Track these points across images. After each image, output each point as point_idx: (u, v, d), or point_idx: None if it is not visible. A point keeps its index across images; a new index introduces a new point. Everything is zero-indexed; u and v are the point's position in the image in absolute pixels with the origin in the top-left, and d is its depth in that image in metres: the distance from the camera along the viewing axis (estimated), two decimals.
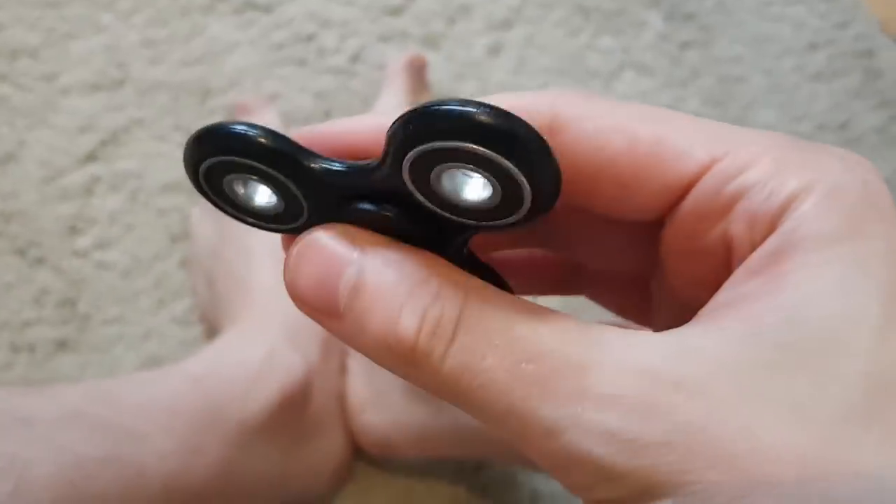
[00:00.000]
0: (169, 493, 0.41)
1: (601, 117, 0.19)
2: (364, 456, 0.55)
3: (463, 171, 0.17)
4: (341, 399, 0.54)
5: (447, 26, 0.68)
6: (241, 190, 0.20)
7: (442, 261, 0.19)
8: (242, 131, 0.18)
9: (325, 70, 0.65)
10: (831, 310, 0.17)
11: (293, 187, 0.19)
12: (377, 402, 0.53)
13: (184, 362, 0.49)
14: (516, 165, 0.16)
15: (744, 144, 0.19)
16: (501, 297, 0.18)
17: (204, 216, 0.59)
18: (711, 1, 0.72)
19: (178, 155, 0.66)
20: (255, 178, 0.19)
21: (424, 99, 0.65)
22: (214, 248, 0.57)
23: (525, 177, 0.16)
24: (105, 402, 0.41)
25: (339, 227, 0.19)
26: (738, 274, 0.18)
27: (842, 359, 0.16)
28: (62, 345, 0.57)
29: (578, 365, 0.17)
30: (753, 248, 0.18)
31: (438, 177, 0.17)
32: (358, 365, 0.55)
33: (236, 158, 0.19)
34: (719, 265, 0.19)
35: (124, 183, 0.60)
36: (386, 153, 0.17)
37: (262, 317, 0.52)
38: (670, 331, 0.18)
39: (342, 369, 0.55)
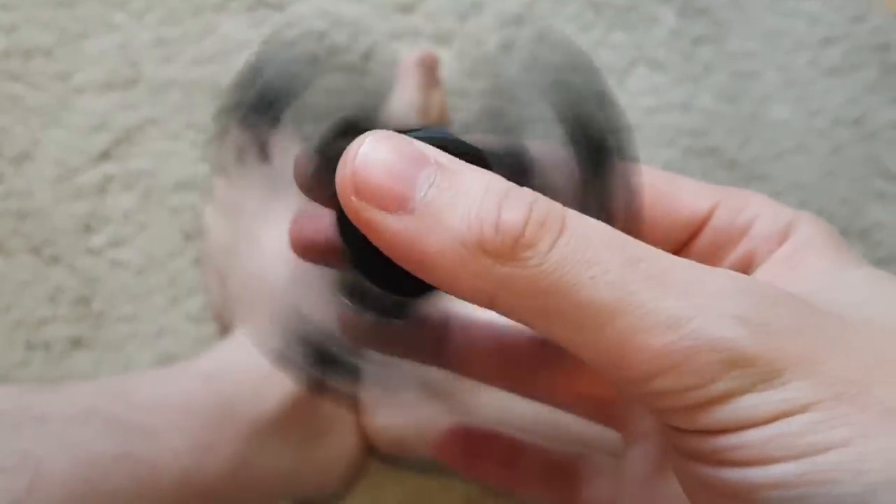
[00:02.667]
0: (182, 491, 0.41)
1: None
2: (376, 454, 0.55)
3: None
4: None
5: (459, 23, 0.68)
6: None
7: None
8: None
9: (337, 68, 0.65)
10: (847, 280, 0.20)
11: None
12: (390, 399, 0.53)
13: (197, 360, 0.49)
14: None
15: (732, 193, 0.23)
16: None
17: (217, 214, 0.59)
18: None
19: (192, 153, 0.66)
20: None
21: (436, 96, 0.65)
22: (228, 246, 0.57)
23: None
24: (118, 400, 0.41)
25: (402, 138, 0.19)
26: (766, 266, 0.22)
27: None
28: (77, 342, 0.58)
29: (694, 266, 0.17)
30: (771, 254, 0.22)
31: None
32: None
33: None
34: None
35: (138, 181, 0.61)
36: None
37: (274, 315, 0.52)
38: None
39: None
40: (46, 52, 0.62)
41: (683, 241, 0.22)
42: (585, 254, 0.17)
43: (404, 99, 0.62)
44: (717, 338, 0.16)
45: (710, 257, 0.22)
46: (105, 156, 0.61)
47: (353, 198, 0.18)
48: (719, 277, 0.17)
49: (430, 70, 0.64)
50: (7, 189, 0.59)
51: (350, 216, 0.18)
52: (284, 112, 0.18)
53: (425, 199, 0.17)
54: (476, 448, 0.28)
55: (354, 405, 0.54)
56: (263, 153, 0.58)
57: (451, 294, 0.18)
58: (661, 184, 0.22)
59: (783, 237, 0.22)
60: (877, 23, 0.72)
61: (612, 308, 0.17)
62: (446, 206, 0.17)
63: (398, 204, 0.17)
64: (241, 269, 0.56)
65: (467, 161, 0.18)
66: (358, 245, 0.19)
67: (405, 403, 0.52)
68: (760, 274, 0.21)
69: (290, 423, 0.48)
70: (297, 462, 0.49)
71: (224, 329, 0.58)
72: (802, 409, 0.16)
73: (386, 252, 0.18)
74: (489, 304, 0.18)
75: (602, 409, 0.27)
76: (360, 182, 0.18)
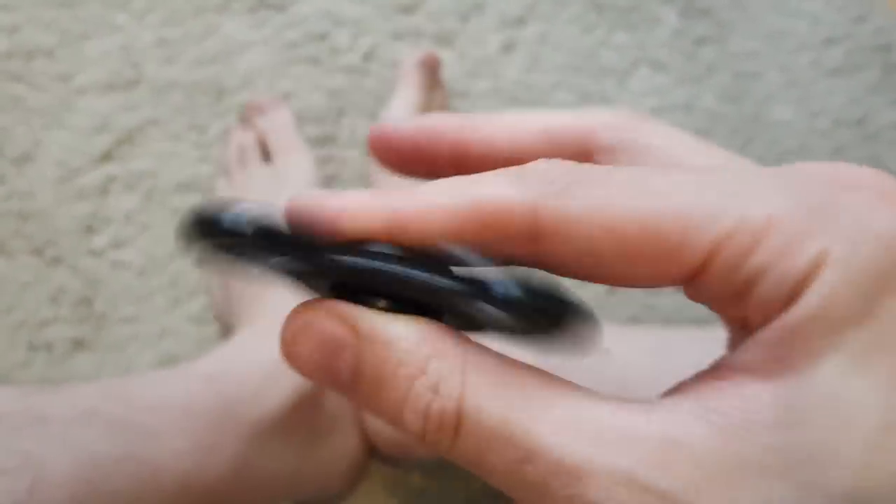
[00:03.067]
0: (184, 491, 0.41)
1: (592, 213, 0.18)
2: (378, 455, 0.55)
3: None
4: None
5: (460, 24, 0.68)
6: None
7: (435, 331, 0.19)
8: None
9: (339, 68, 0.65)
10: (828, 409, 0.16)
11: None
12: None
13: (199, 361, 0.49)
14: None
15: (750, 211, 0.17)
16: (498, 375, 0.18)
17: None
18: None
19: (193, 154, 0.66)
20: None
21: (438, 97, 0.65)
22: None
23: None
24: (120, 401, 0.41)
25: (330, 304, 0.19)
26: (749, 344, 0.18)
27: (830, 471, 0.16)
28: (79, 343, 0.58)
29: (572, 469, 0.17)
30: (767, 322, 0.17)
31: None
32: None
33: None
34: (738, 328, 0.19)
35: (139, 182, 0.61)
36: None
37: (276, 316, 0.52)
38: (666, 406, 0.18)
39: None
40: (48, 52, 0.62)
41: (677, 284, 0.19)
42: (478, 455, 0.18)
43: (405, 99, 0.62)
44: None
45: (709, 306, 0.19)
46: (107, 157, 0.61)
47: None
48: (601, 482, 0.17)
49: (431, 70, 0.64)
50: (9, 190, 0.59)
51: None
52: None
53: (352, 389, 0.19)
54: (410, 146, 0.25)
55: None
56: (264, 153, 0.59)
57: None
58: (666, 199, 0.18)
59: (788, 300, 0.17)
60: (879, 23, 0.72)
61: (512, 496, 0.18)
62: (370, 397, 0.19)
63: (335, 389, 0.19)
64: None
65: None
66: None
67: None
68: (743, 349, 0.18)
69: (292, 424, 0.48)
70: (299, 463, 0.49)
71: (226, 330, 0.58)
72: None
73: None
74: None
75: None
76: (294, 362, 0.20)
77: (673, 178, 0.18)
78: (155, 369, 0.57)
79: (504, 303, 0.18)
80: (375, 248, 0.18)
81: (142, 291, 0.59)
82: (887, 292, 0.16)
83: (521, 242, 0.18)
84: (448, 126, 0.23)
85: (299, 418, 0.48)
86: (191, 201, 0.61)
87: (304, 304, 0.20)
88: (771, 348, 0.17)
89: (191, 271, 0.60)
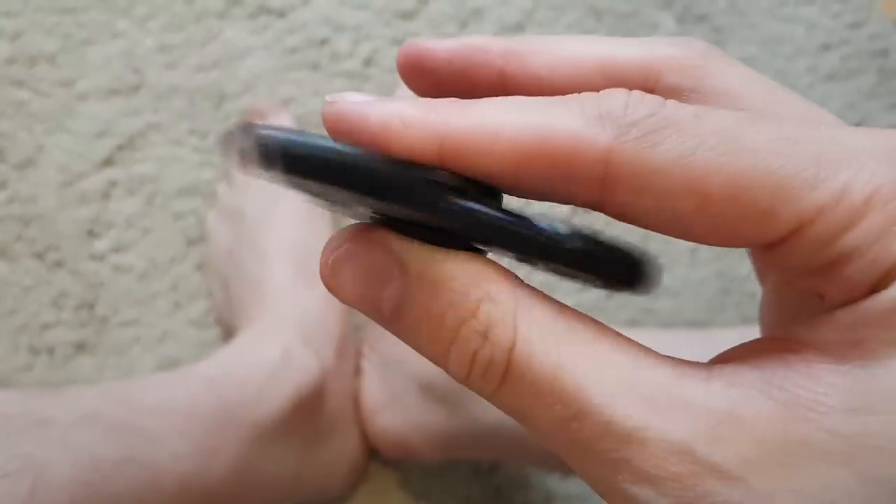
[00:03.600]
0: (184, 494, 0.41)
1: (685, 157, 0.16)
2: (379, 457, 0.56)
3: None
4: (356, 400, 0.54)
5: (460, 29, 0.68)
6: None
7: (488, 272, 0.17)
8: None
9: (339, 74, 0.66)
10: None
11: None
12: (392, 403, 0.53)
13: (199, 364, 0.49)
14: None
15: (852, 183, 0.16)
16: (551, 325, 0.17)
17: (219, 219, 0.59)
18: (724, 2, 0.71)
19: (194, 159, 0.67)
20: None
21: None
22: (230, 251, 0.58)
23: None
24: (121, 404, 0.41)
25: (376, 234, 0.18)
26: (824, 320, 0.17)
27: (889, 469, 0.15)
28: (80, 347, 0.58)
29: (623, 434, 0.16)
30: (849, 303, 0.17)
31: None
32: (372, 367, 0.55)
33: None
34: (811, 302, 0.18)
35: (141, 187, 0.61)
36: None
37: (276, 319, 0.52)
38: (726, 375, 0.17)
39: (357, 371, 0.55)
40: (50, 58, 0.63)
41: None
42: (523, 405, 0.17)
43: None
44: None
45: (786, 280, 0.18)
46: (108, 161, 0.61)
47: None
48: (651, 451, 0.16)
49: None
50: (11, 194, 0.60)
51: None
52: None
53: (394, 322, 0.18)
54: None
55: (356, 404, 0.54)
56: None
57: None
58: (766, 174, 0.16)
59: (874, 288, 0.16)
60: (875, 29, 0.73)
61: (550, 448, 0.17)
62: (411, 332, 0.18)
63: (377, 317, 0.18)
64: (243, 273, 0.56)
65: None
66: None
67: (407, 406, 0.53)
68: (814, 324, 0.17)
69: (293, 426, 0.48)
70: (300, 465, 0.49)
71: (227, 333, 0.58)
72: None
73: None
74: None
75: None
76: (335, 290, 0.18)
77: (768, 133, 0.16)
78: (156, 373, 0.57)
79: (567, 252, 0.17)
80: (428, 176, 0.17)
81: (143, 295, 0.59)
82: None
83: (589, 186, 0.17)
84: (494, 49, 0.20)
85: (300, 421, 0.48)
86: (192, 206, 0.61)
87: (349, 230, 0.18)
88: (850, 331, 0.16)
89: (192, 275, 0.60)
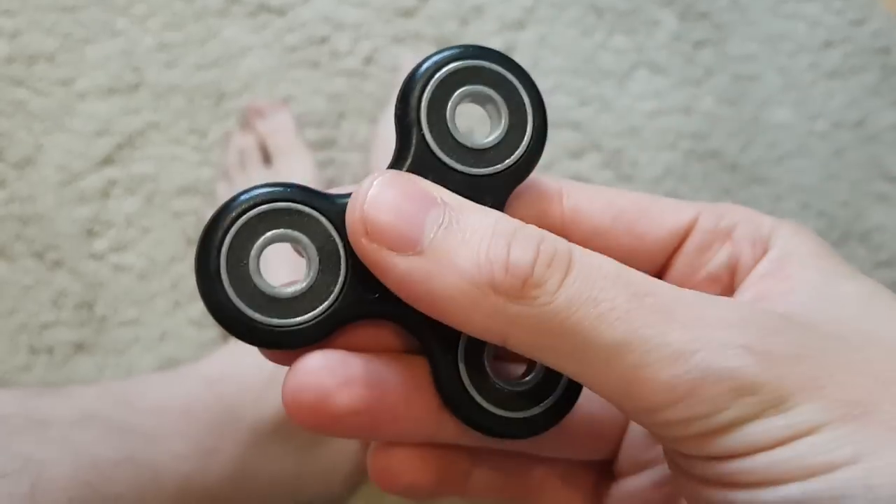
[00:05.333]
0: (184, 494, 0.41)
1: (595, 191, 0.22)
2: None
3: (475, 100, 0.21)
4: None
5: (460, 27, 0.68)
6: (262, 269, 0.19)
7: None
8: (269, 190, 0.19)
9: (339, 72, 0.65)
10: (840, 295, 0.20)
11: (331, 230, 0.19)
12: None
13: (199, 364, 0.49)
14: (524, 86, 0.21)
15: (710, 205, 0.22)
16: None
17: None
18: None
19: (194, 158, 0.66)
20: (290, 231, 0.19)
21: None
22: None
23: (530, 100, 0.21)
24: (120, 404, 0.41)
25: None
26: (753, 277, 0.21)
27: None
28: (80, 347, 0.58)
29: (698, 297, 0.18)
30: (756, 262, 0.21)
31: (453, 113, 0.20)
32: None
33: (275, 204, 0.19)
34: (723, 291, 0.22)
35: (140, 186, 0.61)
36: (408, 92, 0.20)
37: None
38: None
39: None
40: (49, 57, 0.63)
41: (670, 252, 0.22)
42: (592, 291, 0.17)
43: None
44: (723, 368, 0.17)
45: (697, 262, 0.22)
46: (108, 160, 0.61)
47: (363, 240, 0.18)
48: (722, 308, 0.18)
49: None
50: (10, 194, 0.60)
51: (361, 257, 0.19)
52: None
53: (435, 241, 0.18)
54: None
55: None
56: (265, 156, 0.59)
57: (463, 330, 0.18)
58: (642, 201, 0.22)
59: (766, 244, 0.21)
60: (877, 26, 0.72)
61: (619, 344, 0.17)
62: (456, 246, 0.18)
63: (409, 245, 0.18)
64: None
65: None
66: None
67: None
68: (748, 288, 0.21)
69: (292, 427, 0.48)
70: (300, 466, 0.49)
71: (227, 333, 0.58)
72: (810, 432, 0.16)
73: (396, 291, 0.18)
74: (501, 342, 0.18)
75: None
76: (370, 224, 0.18)
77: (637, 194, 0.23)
78: (156, 372, 0.57)
79: None
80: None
81: (142, 295, 0.59)
82: (824, 244, 0.22)
83: None
84: None
85: None
86: (192, 205, 0.61)
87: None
88: (774, 270, 0.21)
89: (191, 275, 0.60)
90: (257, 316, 0.19)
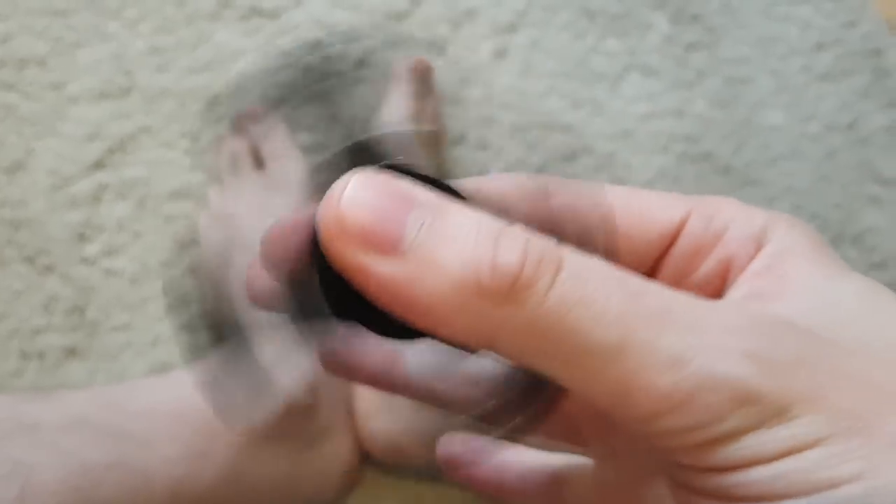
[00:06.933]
0: (175, 499, 0.41)
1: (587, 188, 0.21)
2: (372, 461, 0.55)
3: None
4: (349, 404, 0.54)
5: (452, 31, 0.68)
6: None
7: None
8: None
9: (331, 75, 0.65)
10: (837, 294, 0.19)
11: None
12: (385, 407, 0.53)
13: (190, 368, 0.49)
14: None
15: (702, 201, 0.22)
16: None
17: (211, 222, 0.59)
18: (717, 2, 0.71)
19: (185, 162, 0.66)
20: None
21: (430, 104, 0.65)
22: (222, 255, 0.57)
23: None
24: (111, 409, 0.41)
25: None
26: (747, 275, 0.20)
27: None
28: (71, 352, 0.58)
29: (695, 302, 0.17)
30: (750, 259, 0.20)
31: None
32: None
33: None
34: (713, 294, 0.21)
35: (132, 190, 0.61)
36: None
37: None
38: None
39: None
40: (40, 61, 0.62)
41: (659, 254, 0.21)
42: (584, 292, 0.16)
43: (397, 106, 0.62)
44: (723, 375, 0.16)
45: (687, 267, 0.21)
46: (99, 165, 0.61)
47: (338, 243, 0.17)
48: (720, 311, 0.17)
49: (423, 77, 0.64)
50: (1, 198, 0.59)
51: (334, 261, 0.17)
52: (275, 118, 0.18)
53: (416, 241, 0.16)
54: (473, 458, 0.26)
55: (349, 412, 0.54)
56: (257, 161, 0.58)
57: (446, 337, 0.17)
58: (629, 199, 0.21)
59: (760, 241, 0.20)
60: (868, 28, 0.73)
61: (614, 348, 0.16)
62: (439, 247, 0.16)
63: (389, 246, 0.16)
64: (235, 277, 0.56)
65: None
66: (338, 292, 0.18)
67: (401, 410, 0.52)
68: (741, 286, 0.20)
69: (285, 430, 0.48)
70: (292, 470, 0.49)
71: None
72: (812, 445, 0.16)
73: (373, 298, 0.17)
74: (487, 346, 0.17)
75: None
76: (347, 225, 0.17)
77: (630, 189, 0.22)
78: (147, 377, 0.57)
79: None
80: None
81: (134, 299, 0.59)
82: (820, 240, 0.21)
83: None
84: None
85: (292, 425, 0.48)
86: (184, 209, 0.61)
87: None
88: (768, 269, 0.20)
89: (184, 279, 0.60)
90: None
